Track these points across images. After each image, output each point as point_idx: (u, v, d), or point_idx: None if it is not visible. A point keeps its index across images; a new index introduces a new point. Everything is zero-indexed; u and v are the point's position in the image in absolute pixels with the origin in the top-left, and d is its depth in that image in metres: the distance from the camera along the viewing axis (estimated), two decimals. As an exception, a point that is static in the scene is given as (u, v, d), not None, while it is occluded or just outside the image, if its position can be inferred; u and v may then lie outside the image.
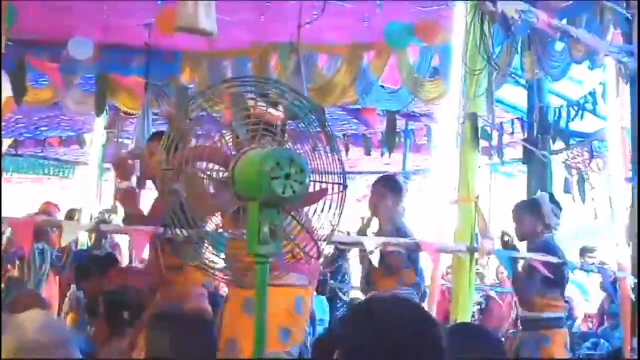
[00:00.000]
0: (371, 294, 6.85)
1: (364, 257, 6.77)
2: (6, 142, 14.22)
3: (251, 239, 3.52)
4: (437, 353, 2.69)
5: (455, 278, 5.65)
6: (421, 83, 8.95)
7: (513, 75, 8.35)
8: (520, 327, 7.21)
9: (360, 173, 13.84)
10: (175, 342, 3.98)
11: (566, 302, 7.15)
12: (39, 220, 3.98)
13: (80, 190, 13.70)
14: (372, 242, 4.88)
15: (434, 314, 6.25)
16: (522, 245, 6.89)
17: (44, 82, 9.86)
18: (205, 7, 5.46)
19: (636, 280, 7.35)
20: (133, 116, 10.69)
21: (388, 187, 7.23)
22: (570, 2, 7.19)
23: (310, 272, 5.14)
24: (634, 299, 7.46)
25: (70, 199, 14.46)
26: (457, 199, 5.67)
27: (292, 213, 3.78)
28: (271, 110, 3.79)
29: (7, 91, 3.58)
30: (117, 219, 12.18)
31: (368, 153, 12.37)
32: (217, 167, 3.69)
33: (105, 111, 10.52)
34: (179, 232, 3.82)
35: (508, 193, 12.19)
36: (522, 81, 9.18)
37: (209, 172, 3.66)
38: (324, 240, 3.95)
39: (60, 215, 13.07)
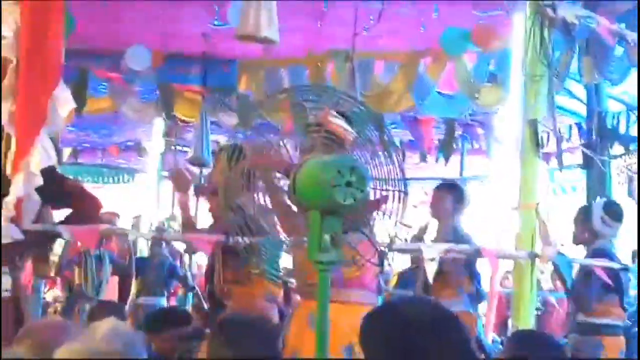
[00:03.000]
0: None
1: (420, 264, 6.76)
2: (66, 151, 14.39)
3: (312, 247, 3.52)
4: (462, 352, 2.69)
5: (516, 285, 5.61)
6: (478, 89, 8.90)
7: (569, 79, 8.26)
8: (576, 333, 7.14)
9: (416, 179, 13.81)
10: (238, 350, 3.99)
11: (624, 309, 7.06)
12: (103, 229, 4.01)
13: (139, 198, 13.86)
14: (432, 250, 4.86)
15: (492, 320, 6.22)
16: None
17: (103, 91, 9.94)
18: (267, 15, 5.47)
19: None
20: (191, 125, 10.76)
21: (450, 192, 7.22)
22: (630, 5, 7.10)
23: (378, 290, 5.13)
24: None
25: (129, 207, 14.59)
26: (518, 205, 5.64)
27: (354, 221, 3.79)
28: (343, 125, 3.78)
29: (70, 102, 3.63)
30: (176, 226, 12.30)
31: (424, 160, 12.34)
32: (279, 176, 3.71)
33: (164, 120, 10.60)
34: (240, 240, 3.84)
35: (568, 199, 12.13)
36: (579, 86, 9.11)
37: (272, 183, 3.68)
38: (385, 248, 3.95)
39: (120, 223, 13.21)
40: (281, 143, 3.87)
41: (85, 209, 4.94)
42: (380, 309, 2.98)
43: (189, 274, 12.14)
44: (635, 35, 6.76)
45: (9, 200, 3.72)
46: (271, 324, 5.65)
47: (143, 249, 12.40)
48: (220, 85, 9.71)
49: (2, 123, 3.80)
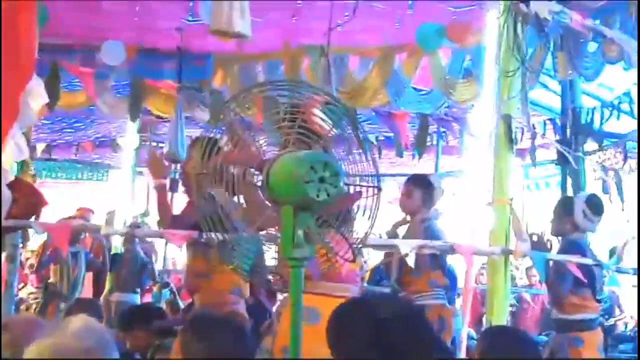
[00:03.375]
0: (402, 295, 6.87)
1: (393, 260, 6.77)
2: (40, 146, 14.32)
3: (286, 243, 3.53)
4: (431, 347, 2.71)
5: (490, 281, 5.63)
6: (453, 85, 8.91)
7: (544, 75, 8.29)
8: (554, 330, 7.18)
9: (392, 175, 13.83)
10: (210, 347, 3.98)
11: (599, 302, 7.10)
12: (75, 225, 3.99)
13: (114, 194, 13.79)
14: (406, 245, 4.87)
15: (468, 316, 6.22)
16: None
17: (77, 86, 9.89)
18: (240, 9, 5.44)
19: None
20: (166, 120, 10.73)
21: (418, 186, 7.23)
22: (604, 2, 7.13)
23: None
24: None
25: (104, 203, 14.53)
26: (492, 201, 5.65)
27: (325, 216, 3.78)
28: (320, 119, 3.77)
29: (43, 96, 3.60)
30: (151, 222, 12.28)
31: (400, 155, 12.35)
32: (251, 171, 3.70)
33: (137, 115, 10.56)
34: (214, 236, 3.83)
35: (542, 195, 12.18)
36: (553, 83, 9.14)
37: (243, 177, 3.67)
38: (359, 243, 3.95)
39: (94, 219, 13.17)
40: (253, 138, 3.86)
41: (29, 204, 4.89)
42: (347, 306, 2.98)
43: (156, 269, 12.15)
44: (611, 32, 6.80)
45: (-20, 195, 3.69)
46: (241, 318, 5.66)
47: (118, 245, 12.36)
48: (195, 80, 9.69)
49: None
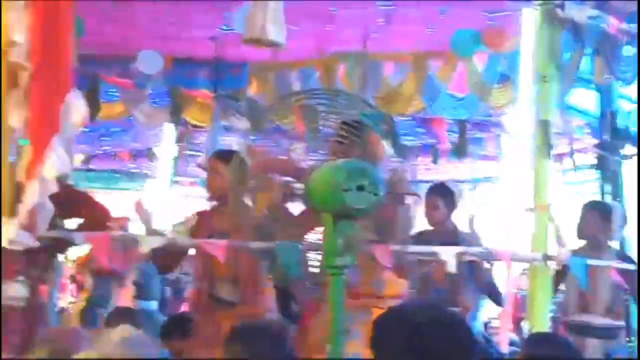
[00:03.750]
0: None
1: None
2: (78, 157, 14.41)
3: (327, 251, 3.53)
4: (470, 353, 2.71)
5: (531, 287, 5.59)
6: (489, 90, 8.88)
7: (581, 79, 8.25)
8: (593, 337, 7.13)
9: (427, 182, 13.80)
10: (253, 354, 3.99)
11: None
12: (115, 235, 4.02)
13: (150, 203, 13.84)
14: (448, 252, 4.85)
15: (509, 322, 6.22)
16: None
17: (114, 97, 9.95)
18: (273, 18, 5.44)
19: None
20: (202, 129, 10.76)
21: (441, 195, 7.25)
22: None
23: None
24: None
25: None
26: (532, 207, 5.62)
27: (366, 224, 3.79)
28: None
29: (83, 109, 3.63)
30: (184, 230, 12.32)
31: (435, 162, 12.31)
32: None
33: (175, 125, 10.61)
34: (253, 245, 3.86)
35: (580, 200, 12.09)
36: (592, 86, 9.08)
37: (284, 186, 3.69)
38: (402, 251, 3.95)
39: (131, 227, 13.23)
40: (291, 147, 3.88)
41: (94, 218, 4.96)
42: (388, 313, 2.98)
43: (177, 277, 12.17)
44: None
45: (23, 207, 3.71)
46: (280, 325, 5.67)
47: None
48: (231, 89, 9.71)
49: (16, 130, 3.79)
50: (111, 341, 2.92)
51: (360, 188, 3.44)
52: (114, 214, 5.50)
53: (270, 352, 3.98)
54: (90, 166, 15.59)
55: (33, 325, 4.81)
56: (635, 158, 9.49)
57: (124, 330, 2.99)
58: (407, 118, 10.73)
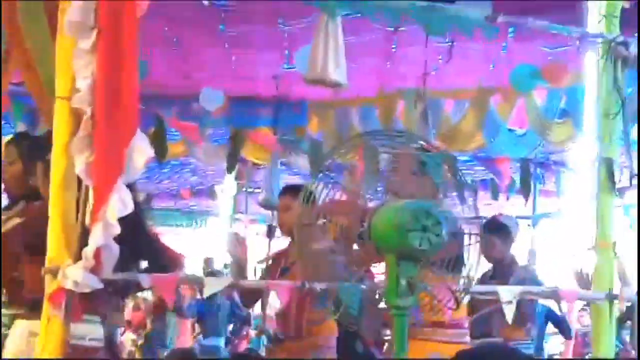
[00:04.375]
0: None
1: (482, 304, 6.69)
2: (140, 195, 14.54)
3: (389, 291, 3.54)
4: None
5: (595, 326, 5.52)
6: (549, 126, 8.84)
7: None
8: None
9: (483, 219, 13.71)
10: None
11: None
12: (182, 278, 4.05)
13: (212, 241, 13.93)
14: (509, 292, 4.81)
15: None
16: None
17: (175, 137, 10.05)
18: (335, 57, 5.47)
19: None
20: (262, 167, 10.83)
21: (497, 232, 7.20)
22: None
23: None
24: None
25: (202, 250, 14.72)
26: (594, 245, 5.55)
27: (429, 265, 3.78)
28: None
29: (148, 151, 3.68)
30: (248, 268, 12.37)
31: (496, 198, 12.27)
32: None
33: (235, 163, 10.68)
34: (316, 286, 3.86)
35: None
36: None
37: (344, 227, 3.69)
38: (462, 290, 3.94)
39: (189, 264, 13.34)
40: (355, 187, 3.89)
41: (166, 264, 5.01)
42: (465, 354, 2.98)
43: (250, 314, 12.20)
44: None
45: (88, 250, 3.75)
46: None
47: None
48: (291, 127, 9.77)
49: (78, 174, 3.84)
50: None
51: (424, 229, 3.44)
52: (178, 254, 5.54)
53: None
54: (152, 204, 15.74)
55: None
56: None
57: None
58: (466, 156, 10.72)
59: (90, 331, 4.73)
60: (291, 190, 6.08)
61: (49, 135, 4.51)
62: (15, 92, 8.29)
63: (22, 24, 6.37)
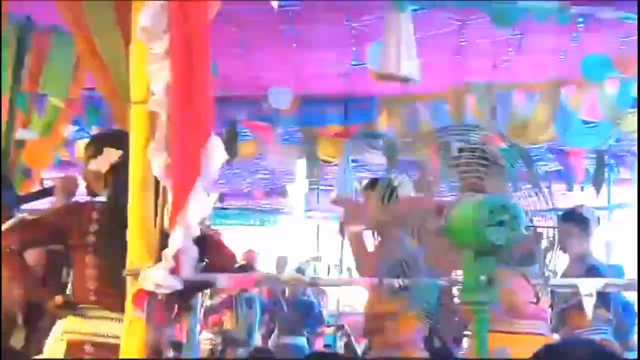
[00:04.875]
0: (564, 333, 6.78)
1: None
2: (213, 195, 14.65)
3: (468, 287, 3.53)
4: None
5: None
6: (622, 115, 8.74)
7: None
8: None
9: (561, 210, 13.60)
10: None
11: None
12: (259, 277, 4.08)
13: (284, 239, 14.00)
14: (589, 285, 4.77)
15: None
16: None
17: (246, 136, 10.12)
18: (407, 53, 5.47)
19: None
20: (333, 164, 10.84)
21: (573, 222, 7.13)
22: None
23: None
24: None
25: (274, 248, 14.79)
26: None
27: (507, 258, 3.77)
28: None
29: (222, 153, 3.73)
30: (321, 266, 12.43)
31: (571, 189, 12.15)
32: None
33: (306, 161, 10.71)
34: (395, 282, 3.87)
35: None
36: None
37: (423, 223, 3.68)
38: (542, 284, 3.91)
39: (261, 262, 13.43)
40: (431, 183, 3.89)
41: (221, 263, 5.06)
42: (548, 349, 2.96)
43: (324, 311, 12.22)
44: None
45: (168, 252, 3.80)
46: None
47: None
48: (360, 123, 9.77)
49: (157, 176, 3.89)
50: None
51: (501, 223, 3.42)
52: (240, 253, 5.59)
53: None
54: (224, 204, 15.85)
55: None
56: None
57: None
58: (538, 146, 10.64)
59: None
60: (373, 185, 6.09)
61: (121, 135, 4.65)
62: (89, 97, 8.43)
63: (93, 30, 6.48)
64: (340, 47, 8.21)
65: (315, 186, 12.65)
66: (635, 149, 10.53)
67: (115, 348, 4.70)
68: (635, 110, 8.71)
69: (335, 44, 8.13)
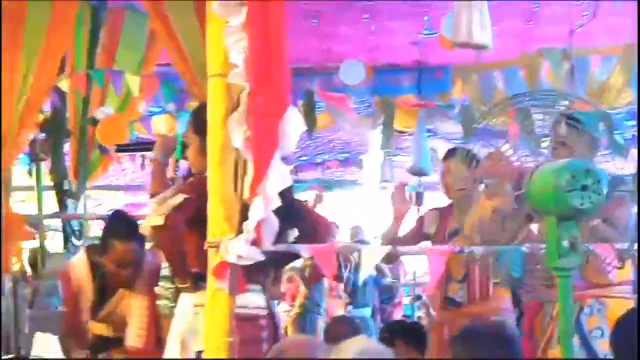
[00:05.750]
0: None
1: None
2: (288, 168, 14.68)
3: (551, 253, 3.51)
4: None
5: None
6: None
7: None
8: None
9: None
10: (479, 356, 3.97)
11: None
12: (340, 246, 4.08)
13: (358, 210, 13.98)
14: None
15: None
16: None
17: (319, 108, 10.11)
18: (480, 20, 5.43)
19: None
20: (407, 134, 10.79)
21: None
22: None
23: None
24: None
25: (348, 218, 14.79)
26: None
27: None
28: None
29: (300, 124, 3.73)
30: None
31: (649, 154, 11.98)
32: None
33: (381, 131, 10.68)
34: (475, 250, 3.86)
35: None
36: None
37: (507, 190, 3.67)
38: (626, 250, 3.88)
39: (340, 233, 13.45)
40: (510, 149, 3.86)
41: (315, 230, 5.08)
42: (631, 315, 2.95)
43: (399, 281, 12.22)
44: None
45: (249, 223, 3.82)
46: (511, 328, 5.65)
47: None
48: (434, 92, 9.72)
49: (238, 148, 3.91)
50: (350, 352, 2.97)
51: (584, 188, 3.39)
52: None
53: (497, 353, 3.96)
54: (299, 175, 15.86)
55: (274, 335, 5.01)
56: None
57: (360, 341, 3.04)
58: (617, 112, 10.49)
59: (253, 300, 4.85)
60: (453, 153, 6.07)
61: (199, 111, 4.68)
62: (163, 73, 8.50)
63: (167, 6, 6.54)
64: (412, 17, 8.17)
65: (390, 156, 12.59)
66: None
67: (247, 317, 4.78)
68: None
69: (407, 14, 8.09)
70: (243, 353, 4.59)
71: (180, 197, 4.77)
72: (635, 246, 4.00)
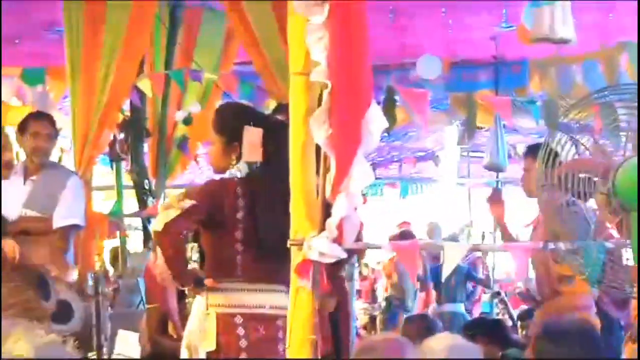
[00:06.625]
0: None
1: None
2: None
3: (637, 250, 3.46)
4: None
5: None
6: None
7: None
8: None
9: None
10: (564, 354, 3.94)
11: None
12: (422, 244, 4.07)
13: (435, 206, 13.92)
14: None
15: None
16: None
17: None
18: (562, 13, 5.38)
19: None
20: (484, 130, 10.73)
21: None
22: None
23: None
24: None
25: (424, 216, 14.74)
26: None
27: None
28: None
29: (382, 121, 3.72)
30: (475, 232, 12.33)
31: None
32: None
33: (457, 127, 10.64)
34: (560, 246, 3.82)
35: None
36: None
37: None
38: None
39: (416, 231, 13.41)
40: (595, 144, 3.82)
41: None
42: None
43: (487, 275, 12.14)
44: None
45: (332, 221, 3.81)
46: (594, 324, 5.58)
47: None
48: (512, 87, 9.65)
49: (320, 145, 3.90)
50: (437, 350, 2.96)
51: (671, 183, 3.35)
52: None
53: (579, 349, 3.93)
54: (376, 173, 15.83)
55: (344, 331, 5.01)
56: None
57: (447, 338, 3.02)
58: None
59: (273, 300, 4.84)
60: (534, 150, 6.01)
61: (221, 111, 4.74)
62: (241, 72, 8.56)
63: (246, 7, 6.57)
64: (490, 10, 8.12)
65: (467, 152, 12.52)
66: None
67: (263, 318, 4.81)
68: None
69: (485, 7, 8.04)
70: (258, 352, 4.72)
71: (187, 203, 4.80)
72: None
